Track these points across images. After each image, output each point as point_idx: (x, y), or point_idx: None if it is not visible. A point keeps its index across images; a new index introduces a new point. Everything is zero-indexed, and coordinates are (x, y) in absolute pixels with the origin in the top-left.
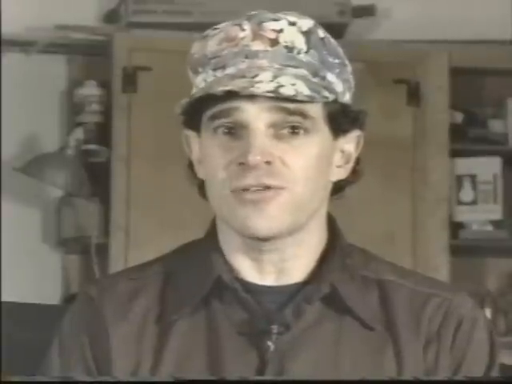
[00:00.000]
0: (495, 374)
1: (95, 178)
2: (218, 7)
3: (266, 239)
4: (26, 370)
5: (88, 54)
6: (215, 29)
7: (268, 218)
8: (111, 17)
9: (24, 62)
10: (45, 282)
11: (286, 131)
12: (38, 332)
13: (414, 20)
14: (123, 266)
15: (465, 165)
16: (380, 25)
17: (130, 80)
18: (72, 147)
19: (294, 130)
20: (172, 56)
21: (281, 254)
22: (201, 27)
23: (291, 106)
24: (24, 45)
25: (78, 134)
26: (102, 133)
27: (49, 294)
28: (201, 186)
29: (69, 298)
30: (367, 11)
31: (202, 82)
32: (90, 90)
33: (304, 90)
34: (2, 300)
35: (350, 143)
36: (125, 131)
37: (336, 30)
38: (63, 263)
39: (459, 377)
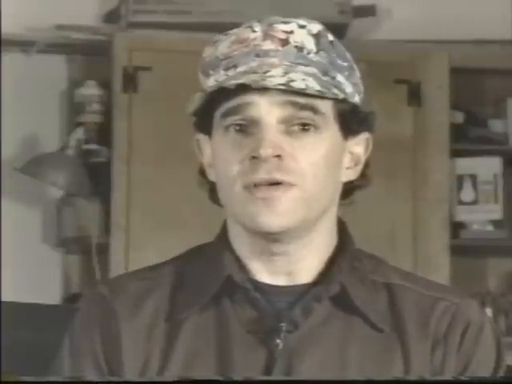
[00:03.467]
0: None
1: (95, 177)
2: (217, 7)
3: (276, 237)
4: (26, 370)
5: (88, 54)
6: (226, 34)
7: (278, 214)
8: (111, 17)
9: (24, 61)
10: (45, 282)
11: (296, 128)
12: (37, 332)
13: (415, 20)
14: (123, 266)
15: (465, 165)
16: (381, 25)
17: (130, 80)
18: (72, 147)
19: (305, 126)
20: (172, 56)
21: (291, 256)
22: (201, 27)
23: (302, 100)
24: (24, 45)
25: (79, 133)
26: (103, 133)
27: (49, 294)
28: (212, 190)
29: (69, 298)
30: (368, 11)
31: (213, 82)
32: (91, 90)
33: (315, 86)
34: (2, 300)
35: (359, 145)
36: (125, 131)
37: (337, 30)
38: (63, 263)
39: (463, 378)
